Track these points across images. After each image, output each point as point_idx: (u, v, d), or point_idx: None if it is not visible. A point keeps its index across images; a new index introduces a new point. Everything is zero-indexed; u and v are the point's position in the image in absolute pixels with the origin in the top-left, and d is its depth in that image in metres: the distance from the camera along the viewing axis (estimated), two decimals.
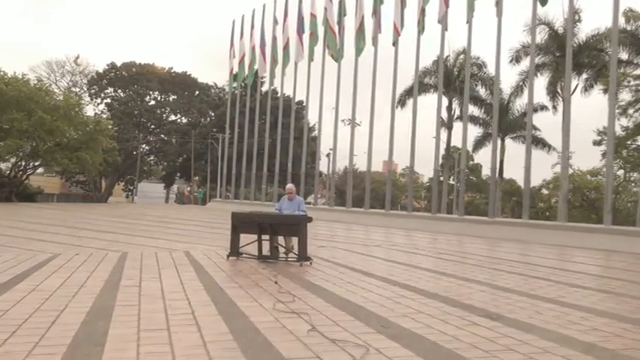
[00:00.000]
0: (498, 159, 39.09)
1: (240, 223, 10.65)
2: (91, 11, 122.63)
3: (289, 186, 11.08)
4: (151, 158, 73.48)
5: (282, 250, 10.73)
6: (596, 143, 41.08)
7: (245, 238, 10.79)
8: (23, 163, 42.81)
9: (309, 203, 34.56)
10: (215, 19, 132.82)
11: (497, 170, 41.41)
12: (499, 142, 40.18)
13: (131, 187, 70.57)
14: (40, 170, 53.57)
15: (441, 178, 71.81)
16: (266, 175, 36.97)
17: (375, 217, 25.42)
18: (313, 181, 50.05)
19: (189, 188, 66.16)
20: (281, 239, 10.89)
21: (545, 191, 56.80)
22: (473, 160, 70.48)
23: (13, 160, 42.05)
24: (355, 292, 7.56)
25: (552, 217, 56.31)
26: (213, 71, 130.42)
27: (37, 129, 36.92)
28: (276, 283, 8.06)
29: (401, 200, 69.10)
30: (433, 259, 12.27)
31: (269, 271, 9.26)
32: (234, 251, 10.69)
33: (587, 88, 34.55)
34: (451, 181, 58.52)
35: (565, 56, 20.61)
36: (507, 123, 39.82)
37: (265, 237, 10.46)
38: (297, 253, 10.25)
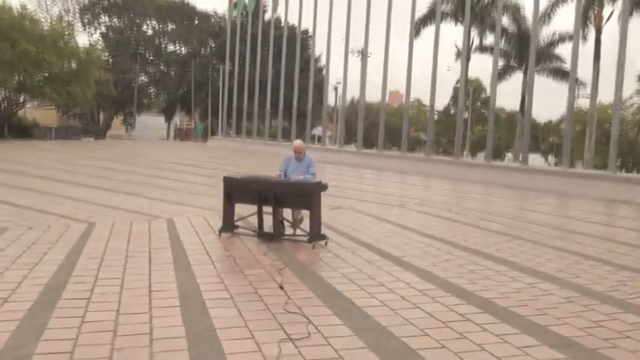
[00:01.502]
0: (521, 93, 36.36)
1: (235, 192, 8.33)
2: None
3: (297, 143, 8.66)
4: (151, 90, 70.62)
5: (288, 225, 8.46)
6: None
7: (242, 209, 8.53)
8: (13, 98, 40.22)
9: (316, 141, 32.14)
10: None
11: (519, 105, 38.75)
12: (521, 75, 37.29)
13: (130, 120, 67.93)
14: (35, 103, 51.07)
15: (452, 112, 69.08)
16: (269, 112, 34.38)
17: (390, 161, 23.07)
18: (320, 114, 47.54)
19: (189, 123, 63.36)
20: (287, 211, 8.61)
21: (563, 126, 54.01)
22: (485, 92, 67.52)
23: (0, 93, 39.47)
24: (401, 309, 5.29)
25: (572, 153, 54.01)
26: None
27: (21, 61, 34.08)
28: (281, 288, 5.81)
29: (410, 134, 66.30)
30: (494, 234, 9.98)
31: (271, 260, 7.00)
32: (228, 226, 8.42)
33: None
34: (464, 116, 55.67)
35: None
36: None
37: (268, 209, 8.17)
38: (307, 231, 7.96)
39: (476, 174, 18.82)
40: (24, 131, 42.43)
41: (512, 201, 14.06)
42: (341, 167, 22.61)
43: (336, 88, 52.92)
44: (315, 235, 7.86)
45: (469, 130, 60.54)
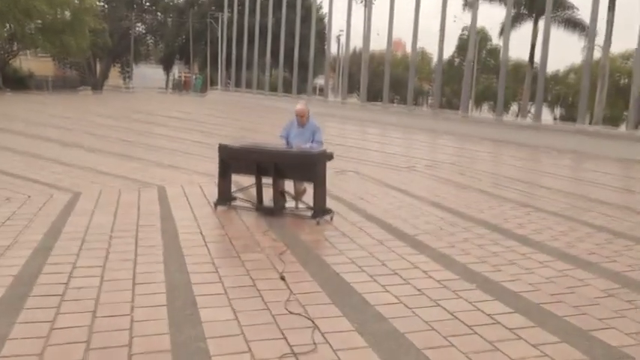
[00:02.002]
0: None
1: (232, 161, 7.55)
2: None
3: (299, 107, 7.81)
4: (149, 39, 68.73)
5: (290, 198, 7.72)
6: None
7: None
8: (5, 47, 38.98)
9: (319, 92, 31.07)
10: None
11: (529, 56, 37.44)
12: (531, 24, 35.87)
13: (128, 71, 66.33)
14: (28, 53, 49.67)
15: (457, 62, 67.32)
16: (270, 62, 33.20)
17: (395, 116, 22.17)
18: (322, 64, 46.13)
19: (188, 74, 61.75)
20: (289, 182, 7.86)
21: (572, 76, 52.75)
22: (491, 41, 65.62)
23: None
24: (420, 308, 4.60)
25: (578, 105, 52.80)
26: None
27: (10, 9, 32.75)
28: (282, 279, 5.13)
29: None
30: (512, 205, 9.24)
31: (271, 241, 6.30)
32: (224, 198, 7.70)
33: None
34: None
35: None
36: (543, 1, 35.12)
37: (267, 180, 7.42)
38: (311, 205, 7.22)
39: (485, 131, 17.98)
40: (20, 82, 41.44)
41: (526, 162, 13.30)
42: (344, 122, 21.75)
43: (338, 38, 51.31)
44: (320, 209, 7.14)
45: (474, 80, 59.06)
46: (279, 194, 7.42)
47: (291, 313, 4.42)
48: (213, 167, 10.45)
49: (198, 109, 25.28)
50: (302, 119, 7.77)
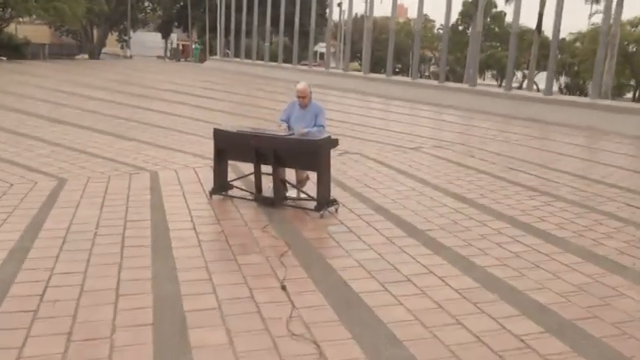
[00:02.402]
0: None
1: (229, 147, 6.96)
2: None
3: (300, 86, 7.16)
4: (146, 4, 67.15)
5: (291, 187, 7.14)
6: None
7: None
8: None
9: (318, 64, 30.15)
10: None
11: (536, 23, 36.39)
12: None
13: (125, 38, 64.94)
14: (21, 20, 48.44)
15: (460, 28, 65.89)
16: (270, 30, 32.24)
17: (398, 88, 21.42)
18: (323, 31, 44.90)
19: (186, 41, 60.39)
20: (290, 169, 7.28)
21: (578, 44, 51.57)
22: (496, 7, 64.19)
23: None
24: (440, 327, 4.06)
25: (583, 74, 51.74)
26: None
27: None
28: (283, 289, 4.60)
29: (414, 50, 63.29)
30: (529, 193, 8.66)
31: (271, 239, 5.75)
32: (220, 187, 7.13)
33: None
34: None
35: None
36: None
37: (266, 168, 6.85)
38: (314, 196, 6.65)
39: (494, 104, 17.29)
40: (15, 50, 40.43)
41: (539, 141, 12.68)
42: (346, 95, 21.04)
43: (340, 4, 50.06)
44: (323, 201, 6.57)
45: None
46: (280, 183, 6.84)
47: (293, 334, 3.89)
48: (209, 148, 9.84)
49: (195, 81, 24.50)
50: (303, 100, 7.14)
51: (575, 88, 57.32)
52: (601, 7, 47.60)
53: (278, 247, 5.54)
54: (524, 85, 52.22)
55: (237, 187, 7.22)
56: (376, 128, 13.31)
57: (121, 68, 30.76)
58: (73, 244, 5.47)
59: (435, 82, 21.92)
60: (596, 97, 15.75)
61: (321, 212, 6.50)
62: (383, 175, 8.74)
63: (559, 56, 57.71)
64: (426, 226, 6.35)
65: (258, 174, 6.84)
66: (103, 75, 25.68)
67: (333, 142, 6.71)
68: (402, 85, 21.75)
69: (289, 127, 7.20)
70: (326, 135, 6.75)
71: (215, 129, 7.05)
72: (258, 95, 19.61)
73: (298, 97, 7.12)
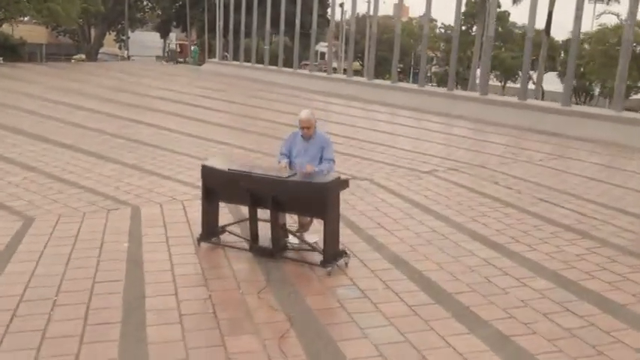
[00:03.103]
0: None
1: (219, 188, 5.90)
2: None
3: (305, 116, 6.08)
4: (145, 3, 66.04)
5: (293, 227, 6.09)
6: None
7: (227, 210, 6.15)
8: None
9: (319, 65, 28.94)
10: None
11: (545, 24, 35.27)
12: None
13: (123, 37, 63.79)
14: (14, 21, 47.38)
15: (463, 28, 64.94)
16: (269, 31, 31.13)
17: (404, 95, 20.36)
18: (324, 32, 43.79)
19: (184, 42, 59.24)
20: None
21: (586, 46, 50.42)
22: (500, 6, 63.13)
23: None
24: None
25: (589, 75, 50.64)
26: None
27: None
28: None
29: (417, 52, 62.25)
30: (571, 236, 7.58)
31: (269, 310, 4.69)
32: (210, 232, 6.07)
33: None
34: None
35: None
36: None
37: (264, 212, 5.79)
38: (319, 248, 5.59)
39: (507, 115, 16.23)
40: (12, 50, 39.52)
41: (563, 161, 11.60)
42: (349, 103, 19.99)
43: (342, 5, 49.02)
44: (331, 255, 5.51)
45: (482, 51, 56.71)
46: (279, 232, 5.78)
47: None
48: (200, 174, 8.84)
49: (191, 87, 23.44)
50: (308, 132, 6.08)
51: (582, 89, 56.23)
52: (609, 7, 46.52)
53: (277, 323, 4.49)
54: (528, 86, 51.29)
55: (229, 232, 6.17)
56: (385, 146, 12.24)
57: (116, 72, 29.67)
58: (24, 321, 4.42)
59: (443, 90, 20.84)
60: (620, 110, 14.65)
61: (329, 269, 5.44)
62: (397, 210, 7.67)
63: (561, 56, 56.68)
64: (454, 286, 5.30)
65: (253, 220, 5.78)
66: (96, 81, 24.62)
67: (343, 184, 5.66)
68: (408, 92, 20.68)
69: (291, 163, 6.16)
70: (334, 175, 5.68)
71: (203, 166, 5.99)
72: (257, 105, 18.55)
73: (302, 127, 6.07)
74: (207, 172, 5.90)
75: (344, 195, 7.79)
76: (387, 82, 22.80)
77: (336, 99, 20.85)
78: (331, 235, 5.50)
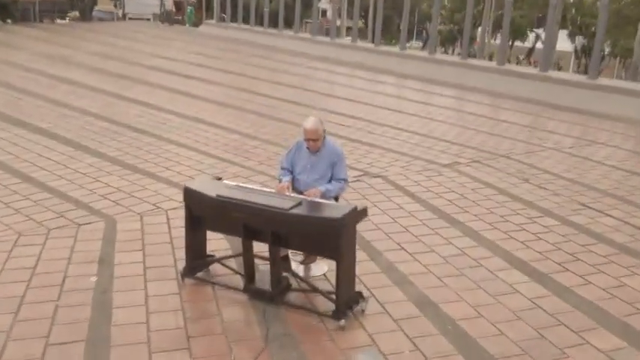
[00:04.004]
0: None
1: (206, 215, 4.77)
2: None
3: (311, 126, 4.87)
4: None
5: (296, 263, 4.98)
6: None
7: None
8: None
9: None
10: None
11: None
12: None
13: None
14: None
15: None
16: None
17: (414, 64, 19.03)
18: None
19: (175, 2, 56.87)
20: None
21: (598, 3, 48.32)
22: None
23: None
24: None
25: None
26: None
27: None
28: None
29: (420, 7, 59.98)
30: (622, 252, 6.46)
31: None
32: (195, 265, 4.97)
33: None
34: None
35: None
36: None
37: (261, 245, 4.68)
38: (330, 293, 4.49)
39: (526, 88, 14.98)
40: (3, 9, 37.86)
41: (596, 148, 10.42)
42: (355, 72, 18.66)
43: None
44: (345, 302, 4.42)
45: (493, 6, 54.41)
46: (280, 270, 4.67)
47: None
48: (189, 169, 7.72)
49: (185, 54, 22.03)
50: (314, 144, 4.91)
51: (591, 49, 54.35)
52: None
53: None
54: (537, 45, 49.34)
55: (219, 263, 5.08)
56: (397, 129, 11.04)
57: (108, 36, 28.09)
58: None
59: (457, 59, 19.46)
60: None
61: (342, 322, 4.35)
62: (419, 222, 6.55)
63: (581, 18, 54.64)
64: (500, 347, 4.22)
65: (249, 256, 4.67)
66: (86, 46, 23.18)
67: (361, 215, 4.51)
68: (417, 61, 19.32)
69: (294, 181, 5.02)
70: (348, 207, 4.51)
71: (186, 188, 4.84)
72: (255, 75, 17.22)
73: (307, 139, 4.89)
74: (192, 197, 4.75)
75: (355, 197, 6.69)
76: (396, 49, 21.36)
77: (341, 67, 19.52)
78: (345, 278, 4.39)
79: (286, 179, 4.97)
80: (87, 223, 6.18)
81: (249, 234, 4.55)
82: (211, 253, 5.20)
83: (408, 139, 10.32)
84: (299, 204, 4.41)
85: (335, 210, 4.40)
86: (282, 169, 5.12)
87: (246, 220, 4.45)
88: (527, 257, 5.72)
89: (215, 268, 5.10)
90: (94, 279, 5.01)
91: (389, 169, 8.50)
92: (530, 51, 58.40)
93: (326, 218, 4.29)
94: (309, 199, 4.58)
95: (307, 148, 4.97)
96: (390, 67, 18.93)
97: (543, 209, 7.09)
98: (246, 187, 4.82)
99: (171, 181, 7.59)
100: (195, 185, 4.84)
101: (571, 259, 5.71)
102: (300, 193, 4.90)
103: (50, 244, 5.67)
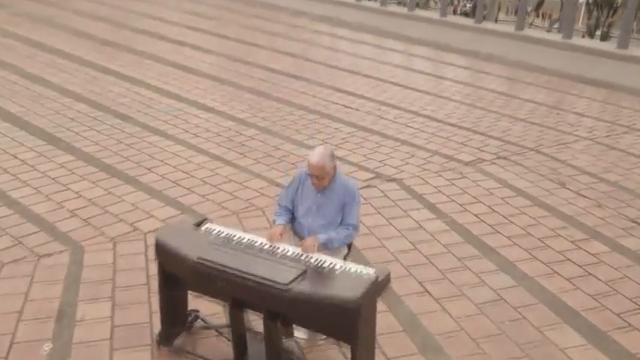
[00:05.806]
0: None
1: (186, 277, 3.75)
2: None
3: (316, 161, 3.80)
4: None
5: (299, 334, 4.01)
6: None
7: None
8: None
9: None
10: None
11: None
12: None
13: None
14: None
15: None
16: None
17: (423, 27, 17.65)
18: None
19: None
20: None
21: None
22: None
23: None
24: None
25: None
26: None
27: None
28: None
29: None
30: None
31: None
32: (173, 330, 3.99)
33: None
34: None
35: None
36: None
37: (255, 313, 3.69)
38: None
39: (548, 58, 13.74)
40: None
41: (636, 136, 9.31)
42: (360, 36, 17.33)
43: None
44: None
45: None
46: (277, 348, 3.68)
47: None
48: (179, 172, 6.69)
49: (180, 14, 20.58)
50: (319, 183, 3.85)
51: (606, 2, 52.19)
52: None
53: None
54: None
55: (202, 324, 4.11)
56: (409, 113, 9.91)
57: None
58: None
59: (470, 22, 18.04)
60: None
61: None
62: (443, 248, 5.55)
63: None
64: None
65: (237, 328, 3.68)
66: (74, 4, 21.64)
67: (382, 286, 3.49)
68: (427, 23, 17.95)
69: (295, 224, 3.99)
70: (367, 280, 3.44)
71: (158, 243, 3.79)
72: (253, 41, 15.88)
73: (312, 175, 3.82)
74: (166, 256, 3.72)
75: (364, 209, 5.68)
76: (404, 10, 19.90)
77: (344, 29, 18.12)
78: None
79: (280, 222, 3.92)
80: (48, 255, 5.18)
81: (240, 305, 3.55)
82: (195, 310, 4.22)
83: (422, 126, 9.20)
84: (302, 274, 3.38)
85: (350, 284, 3.35)
86: (280, 207, 4.07)
87: (235, 294, 3.44)
88: (582, 305, 4.72)
89: (196, 334, 4.13)
90: (48, 347, 4.04)
91: (404, 168, 7.45)
92: (541, 3, 56.28)
93: (338, 298, 3.25)
94: (312, 262, 3.55)
95: (312, 182, 3.91)
96: (397, 29, 17.56)
97: (587, 227, 6.08)
98: (233, 240, 3.77)
99: (153, 189, 6.56)
100: (169, 238, 3.79)
101: (632, 307, 4.71)
102: (302, 239, 3.89)
103: (0, 288, 4.68)
